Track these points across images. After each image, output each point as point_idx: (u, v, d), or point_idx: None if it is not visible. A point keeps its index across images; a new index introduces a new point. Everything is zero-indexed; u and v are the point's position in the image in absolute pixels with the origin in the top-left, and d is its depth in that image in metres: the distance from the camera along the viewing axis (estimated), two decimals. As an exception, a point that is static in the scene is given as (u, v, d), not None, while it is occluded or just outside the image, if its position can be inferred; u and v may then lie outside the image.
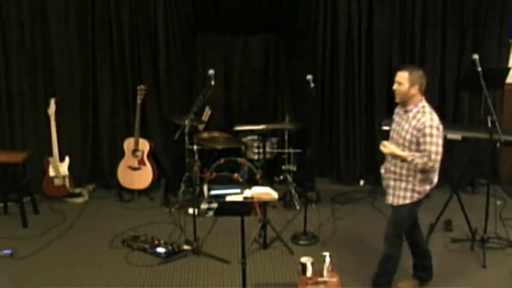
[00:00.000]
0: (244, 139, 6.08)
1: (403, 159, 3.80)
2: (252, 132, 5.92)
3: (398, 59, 6.28)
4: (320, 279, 3.87)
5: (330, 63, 6.33)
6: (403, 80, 3.82)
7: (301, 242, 5.04)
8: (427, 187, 3.92)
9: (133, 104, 6.06)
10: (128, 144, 6.07)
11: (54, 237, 5.16)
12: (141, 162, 6.06)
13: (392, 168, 3.93)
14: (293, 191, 5.84)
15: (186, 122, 4.87)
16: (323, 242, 5.05)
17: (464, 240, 4.95)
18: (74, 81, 6.22)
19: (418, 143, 3.76)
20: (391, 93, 6.26)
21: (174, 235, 5.16)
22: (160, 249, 4.80)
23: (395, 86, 3.87)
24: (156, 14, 6.11)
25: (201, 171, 5.65)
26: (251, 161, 5.74)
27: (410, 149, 3.80)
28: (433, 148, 3.70)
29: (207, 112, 6.29)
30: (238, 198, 3.60)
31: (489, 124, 4.62)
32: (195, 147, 5.56)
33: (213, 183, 5.37)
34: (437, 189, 6.13)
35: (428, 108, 3.81)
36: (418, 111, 3.79)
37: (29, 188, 5.75)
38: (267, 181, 5.53)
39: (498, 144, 4.65)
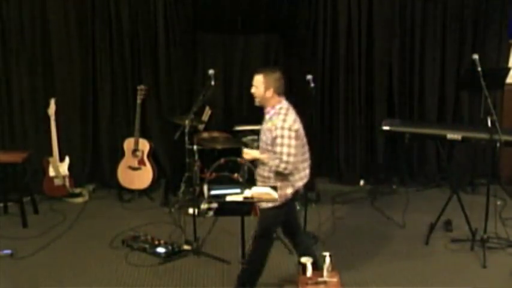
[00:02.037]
0: (244, 139, 6.07)
1: (263, 162, 3.82)
2: (252, 132, 5.91)
3: (398, 59, 6.29)
4: (320, 279, 3.87)
5: (330, 63, 6.33)
6: (258, 83, 3.81)
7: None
8: (288, 191, 3.85)
9: (134, 104, 6.06)
10: (128, 144, 6.07)
11: (54, 237, 5.16)
12: (141, 162, 6.06)
13: (258, 171, 3.94)
14: (293, 191, 5.83)
15: (186, 122, 4.87)
16: (323, 242, 5.05)
17: (464, 240, 4.95)
18: (74, 81, 6.22)
19: (272, 145, 3.75)
20: (391, 93, 6.38)
21: (174, 235, 5.16)
22: (160, 249, 4.80)
23: (252, 90, 3.86)
24: (156, 14, 6.11)
25: (201, 171, 5.64)
26: (251, 161, 5.73)
27: (268, 151, 3.79)
28: (284, 150, 3.68)
29: (207, 112, 6.28)
30: (238, 198, 3.59)
31: (489, 124, 4.62)
32: (195, 147, 5.56)
33: (213, 183, 5.36)
34: (437, 189, 6.25)
35: (284, 110, 3.78)
36: (275, 113, 3.78)
37: (29, 188, 5.75)
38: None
39: (498, 144, 4.64)
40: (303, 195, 5.58)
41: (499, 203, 5.66)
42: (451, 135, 5.01)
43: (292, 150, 3.70)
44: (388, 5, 6.17)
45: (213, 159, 5.61)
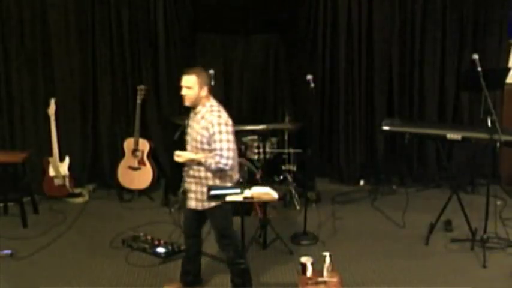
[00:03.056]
0: (244, 139, 6.08)
1: (200, 163, 3.79)
2: (252, 132, 5.91)
3: (398, 59, 6.29)
4: (320, 279, 3.87)
5: (330, 63, 6.33)
6: (191, 84, 3.78)
7: (301, 242, 5.04)
8: (228, 185, 3.85)
9: (134, 104, 6.06)
10: (128, 144, 6.07)
11: (54, 237, 5.16)
12: (141, 162, 6.06)
13: (191, 172, 3.88)
14: (293, 191, 5.84)
15: (186, 122, 4.87)
16: (323, 242, 5.05)
17: (464, 240, 4.95)
18: (74, 81, 6.22)
19: (209, 143, 3.75)
20: (391, 93, 6.38)
21: (174, 235, 5.16)
22: (160, 249, 4.80)
23: (183, 92, 3.82)
24: (156, 13, 6.12)
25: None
26: (251, 161, 5.74)
27: (203, 150, 3.77)
28: (224, 145, 3.70)
29: (207, 112, 6.28)
30: (238, 198, 3.60)
31: (489, 124, 4.62)
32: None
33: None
34: (437, 189, 6.25)
35: (216, 107, 3.81)
36: (207, 111, 3.79)
37: (29, 188, 5.75)
38: (267, 181, 5.53)
39: (498, 144, 4.64)
40: (303, 195, 5.63)
41: (499, 203, 5.65)
42: (451, 135, 5.01)
43: (231, 145, 3.74)
44: (388, 5, 6.17)
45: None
